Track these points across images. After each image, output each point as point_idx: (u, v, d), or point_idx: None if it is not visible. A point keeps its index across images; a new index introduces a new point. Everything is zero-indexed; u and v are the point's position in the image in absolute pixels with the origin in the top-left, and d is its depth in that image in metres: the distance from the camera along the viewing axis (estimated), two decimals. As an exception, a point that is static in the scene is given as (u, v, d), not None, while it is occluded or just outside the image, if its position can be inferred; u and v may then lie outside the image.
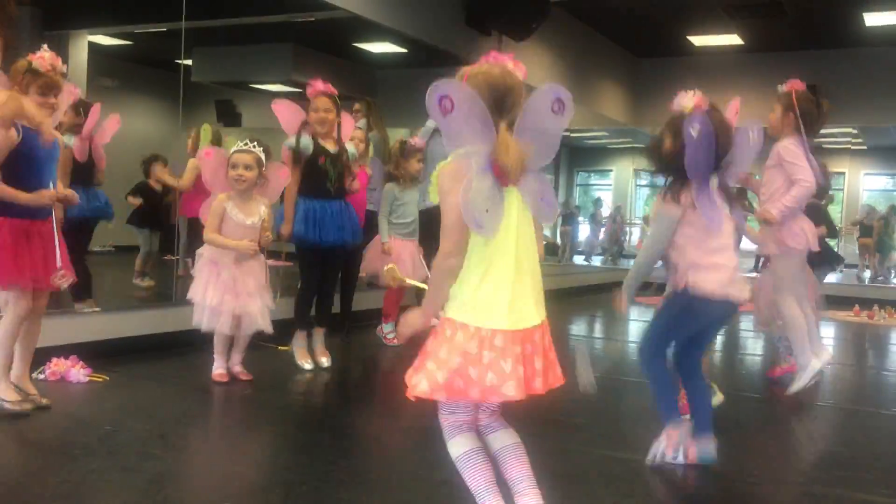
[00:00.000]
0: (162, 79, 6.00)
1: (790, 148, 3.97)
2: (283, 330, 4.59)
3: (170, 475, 2.79)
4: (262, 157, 4.11)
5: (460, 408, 2.20)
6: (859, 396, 4.92)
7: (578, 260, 14.07)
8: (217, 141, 5.67)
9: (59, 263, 3.34)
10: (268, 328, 4.18)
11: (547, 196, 2.20)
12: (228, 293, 4.03)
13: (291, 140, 4.42)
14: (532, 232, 2.18)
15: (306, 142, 4.42)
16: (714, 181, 2.93)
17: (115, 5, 6.21)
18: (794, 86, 4.09)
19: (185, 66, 5.60)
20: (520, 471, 2.20)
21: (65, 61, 3.48)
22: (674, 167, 2.95)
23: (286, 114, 4.50)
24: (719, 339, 6.17)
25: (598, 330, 7.04)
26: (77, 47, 5.92)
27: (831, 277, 5.99)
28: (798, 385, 4.18)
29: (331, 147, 4.49)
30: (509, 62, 2.13)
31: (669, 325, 3.11)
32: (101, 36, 6.65)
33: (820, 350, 4.29)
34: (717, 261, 2.92)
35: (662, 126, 3.02)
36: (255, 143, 4.11)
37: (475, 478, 2.17)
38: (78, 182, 4.75)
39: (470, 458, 2.18)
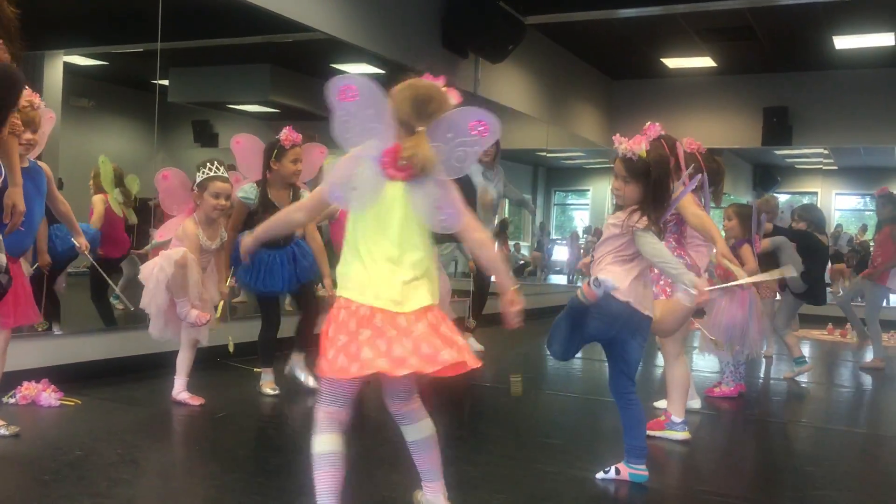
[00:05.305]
0: (138, 99, 5.97)
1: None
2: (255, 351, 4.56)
3: (140, 501, 2.76)
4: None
5: (338, 399, 2.37)
6: (830, 414, 4.96)
7: (560, 280, 14.08)
8: (118, 178, 5.40)
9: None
10: (205, 340, 4.19)
11: (446, 206, 2.23)
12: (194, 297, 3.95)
13: (247, 191, 4.25)
14: (416, 227, 2.24)
15: (253, 193, 4.25)
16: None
17: (91, 26, 6.18)
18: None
19: (162, 86, 5.59)
20: (428, 463, 2.47)
21: (40, 82, 3.45)
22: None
23: (246, 153, 4.39)
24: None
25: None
26: (52, 67, 5.88)
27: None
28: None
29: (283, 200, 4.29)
30: (440, 83, 2.24)
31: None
32: (76, 56, 6.62)
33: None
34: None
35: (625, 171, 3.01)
36: (223, 167, 4.05)
37: (324, 481, 2.32)
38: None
39: (326, 461, 2.34)
